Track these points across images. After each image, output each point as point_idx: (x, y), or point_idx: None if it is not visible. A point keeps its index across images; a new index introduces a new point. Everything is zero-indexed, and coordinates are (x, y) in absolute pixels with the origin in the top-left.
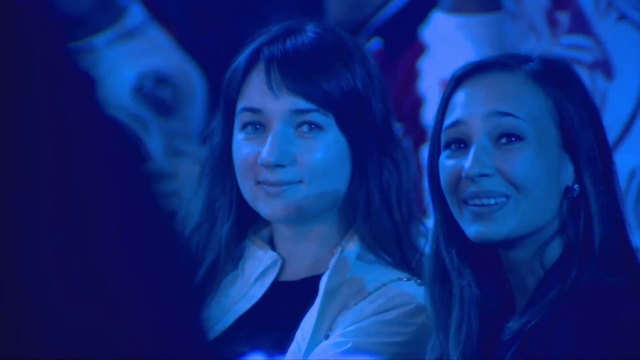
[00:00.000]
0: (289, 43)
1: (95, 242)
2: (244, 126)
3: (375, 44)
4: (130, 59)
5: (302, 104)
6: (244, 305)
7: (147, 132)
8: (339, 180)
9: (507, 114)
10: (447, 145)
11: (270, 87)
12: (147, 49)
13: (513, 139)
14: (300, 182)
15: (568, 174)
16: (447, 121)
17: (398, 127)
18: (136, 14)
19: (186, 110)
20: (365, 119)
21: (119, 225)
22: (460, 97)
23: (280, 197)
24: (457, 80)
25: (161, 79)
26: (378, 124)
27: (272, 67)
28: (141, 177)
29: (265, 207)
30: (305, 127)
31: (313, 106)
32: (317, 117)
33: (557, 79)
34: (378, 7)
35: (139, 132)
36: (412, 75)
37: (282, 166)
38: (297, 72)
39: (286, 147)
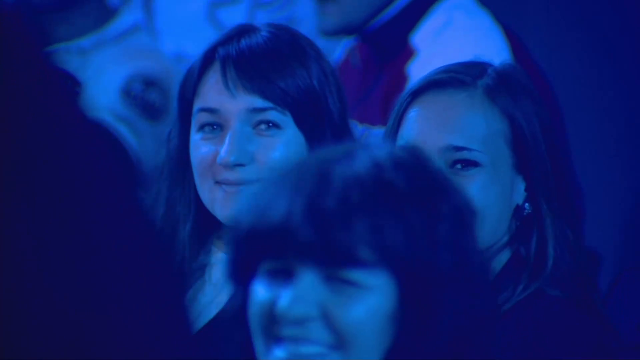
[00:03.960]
0: (243, 42)
1: (81, 244)
2: (201, 127)
3: (349, 41)
4: (119, 62)
5: (259, 102)
6: (213, 310)
7: (136, 135)
8: None
9: (462, 148)
10: None
11: (227, 86)
12: (136, 51)
13: (468, 164)
14: (260, 180)
15: (519, 192)
16: (402, 143)
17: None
18: (126, 16)
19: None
20: (323, 116)
21: (103, 227)
22: (415, 115)
23: (238, 198)
24: (413, 96)
25: (150, 82)
26: (336, 121)
27: (227, 67)
28: (126, 180)
29: (223, 209)
30: (262, 126)
31: (270, 104)
32: (274, 115)
33: (511, 93)
34: (371, 14)
35: (127, 135)
36: (400, 79)
37: (241, 165)
38: (253, 70)
39: (245, 146)
